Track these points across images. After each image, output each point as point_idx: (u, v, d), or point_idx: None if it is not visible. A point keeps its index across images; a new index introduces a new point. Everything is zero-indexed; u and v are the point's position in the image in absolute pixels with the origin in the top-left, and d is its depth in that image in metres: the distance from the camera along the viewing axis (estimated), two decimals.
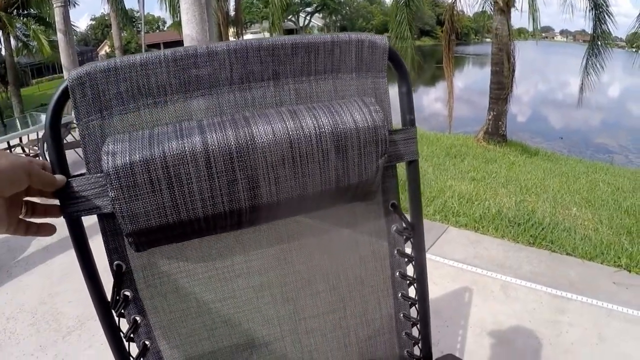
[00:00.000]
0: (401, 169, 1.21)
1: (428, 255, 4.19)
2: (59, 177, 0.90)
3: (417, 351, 1.40)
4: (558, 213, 5.29)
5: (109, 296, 1.04)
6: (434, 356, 1.40)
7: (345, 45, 1.06)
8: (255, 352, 1.21)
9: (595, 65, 10.99)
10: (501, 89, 10.22)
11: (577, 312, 3.45)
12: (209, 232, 0.99)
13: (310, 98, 1.08)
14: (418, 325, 1.35)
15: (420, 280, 1.30)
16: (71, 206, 0.93)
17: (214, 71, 0.98)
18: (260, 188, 0.91)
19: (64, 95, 0.91)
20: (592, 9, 10.60)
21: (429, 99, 27.03)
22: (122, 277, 1.03)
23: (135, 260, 1.04)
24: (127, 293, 1.04)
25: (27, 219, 0.91)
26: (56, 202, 0.93)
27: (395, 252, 1.25)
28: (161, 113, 0.97)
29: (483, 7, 11.33)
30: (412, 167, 1.19)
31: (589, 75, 11.13)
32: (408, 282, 1.30)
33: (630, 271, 4.07)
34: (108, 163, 0.84)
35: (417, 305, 1.33)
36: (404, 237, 1.25)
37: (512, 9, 10.36)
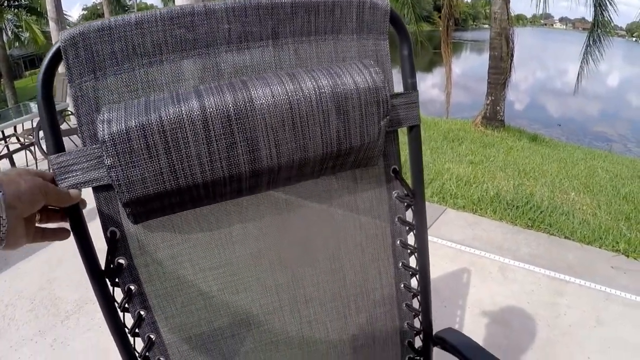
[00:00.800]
0: (402, 135, 1.18)
1: None
2: (73, 192, 0.91)
3: (417, 323, 1.38)
4: (556, 197, 5.26)
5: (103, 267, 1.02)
6: (434, 330, 1.39)
7: (346, 6, 1.04)
8: (253, 322, 1.19)
9: (594, 53, 10.91)
10: (499, 73, 10.14)
11: (575, 294, 3.43)
12: (209, 200, 0.97)
13: (310, 59, 1.07)
14: (419, 297, 1.34)
15: (421, 249, 1.29)
16: (66, 180, 0.92)
17: (211, 30, 0.96)
18: (260, 151, 0.90)
19: (57, 57, 0.90)
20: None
21: (427, 85, 26.93)
22: (116, 244, 1.02)
23: (129, 227, 1.02)
24: (121, 261, 1.03)
25: (43, 225, 0.90)
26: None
27: (396, 219, 1.24)
28: (157, 73, 0.96)
29: None
30: (414, 132, 1.17)
31: (587, 64, 11.04)
32: (409, 251, 1.28)
33: (628, 256, 4.04)
34: (104, 131, 0.83)
35: (417, 276, 1.32)
36: (405, 204, 1.23)
37: None
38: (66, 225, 0.94)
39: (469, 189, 5.33)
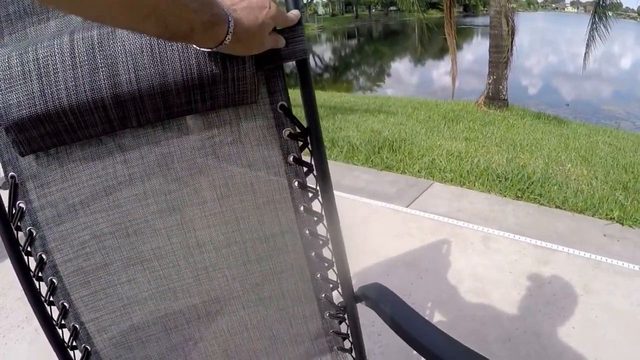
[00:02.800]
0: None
1: (408, 210, 4.08)
2: (293, 13, 1.04)
3: (332, 276, 1.33)
4: (551, 169, 5.07)
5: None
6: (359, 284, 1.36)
7: None
8: (147, 267, 1.19)
9: (597, 33, 10.77)
10: (500, 52, 10.01)
11: (562, 263, 3.27)
12: (82, 131, 1.01)
13: None
14: (329, 245, 1.28)
15: (325, 192, 1.23)
16: None
17: None
18: (119, 76, 0.94)
19: None
20: None
21: (439, 73, 26.82)
22: (16, 188, 1.08)
23: (26, 170, 1.07)
24: (22, 205, 1.09)
25: None
26: None
27: (291, 159, 1.19)
28: (44, 30, 1.03)
29: None
30: (302, 66, 1.11)
31: (594, 41, 10.91)
32: (310, 194, 1.23)
33: (623, 224, 3.87)
34: None
35: (325, 222, 1.25)
36: (300, 143, 1.19)
37: None
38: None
39: (459, 163, 5.17)
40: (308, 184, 1.21)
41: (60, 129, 0.98)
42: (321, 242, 1.27)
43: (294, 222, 1.24)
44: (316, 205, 1.23)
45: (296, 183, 1.20)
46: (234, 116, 1.12)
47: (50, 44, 0.93)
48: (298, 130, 1.17)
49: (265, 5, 0.90)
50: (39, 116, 0.94)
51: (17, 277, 1.13)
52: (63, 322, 1.20)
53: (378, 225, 3.89)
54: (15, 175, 1.07)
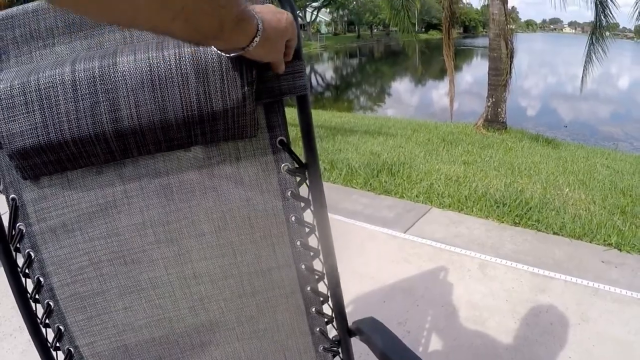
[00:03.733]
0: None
1: (405, 236, 4.08)
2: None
3: (327, 310, 1.34)
4: (549, 194, 5.06)
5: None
6: (354, 318, 1.38)
7: None
8: (144, 296, 1.20)
9: (598, 51, 10.81)
10: (499, 75, 10.06)
11: (559, 291, 3.25)
12: (84, 160, 1.03)
13: None
14: (325, 280, 1.30)
15: (322, 228, 1.25)
16: None
17: None
18: (121, 111, 0.96)
19: None
20: None
21: (439, 93, 26.89)
22: (16, 211, 1.10)
23: (27, 194, 1.09)
24: (22, 227, 1.11)
25: None
26: None
27: (288, 194, 1.20)
28: (50, 55, 1.06)
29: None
30: (302, 101, 1.16)
31: (592, 63, 10.96)
32: (307, 229, 1.24)
33: (621, 250, 3.86)
34: None
35: (321, 258, 1.27)
36: (298, 178, 1.20)
37: None
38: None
39: (457, 188, 5.16)
40: (305, 220, 1.22)
41: (63, 158, 1.01)
42: (317, 276, 1.28)
43: (290, 256, 1.24)
44: (313, 240, 1.24)
45: (293, 218, 1.21)
46: (234, 150, 1.14)
47: (52, 74, 0.94)
48: (296, 166, 1.18)
49: (284, 12, 0.94)
50: (42, 146, 0.97)
51: (14, 297, 1.16)
52: (58, 344, 1.21)
53: (375, 250, 3.88)
54: (16, 197, 1.09)
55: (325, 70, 45.54)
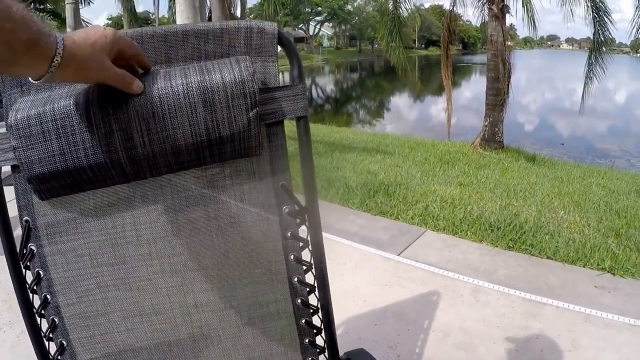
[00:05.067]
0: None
1: (399, 258, 4.10)
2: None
3: (320, 341, 1.41)
4: (543, 216, 5.08)
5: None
6: (346, 348, 1.46)
7: (234, 32, 1.17)
8: (146, 320, 1.25)
9: (597, 71, 10.83)
10: (497, 95, 10.12)
11: (551, 317, 3.27)
12: (99, 183, 1.07)
13: None
14: (319, 314, 1.37)
15: (319, 266, 1.33)
16: None
17: None
18: (133, 139, 1.00)
19: None
20: (593, 11, 10.45)
21: (437, 109, 26.94)
22: (29, 232, 1.16)
23: (41, 217, 1.16)
24: (33, 247, 1.17)
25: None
26: None
27: (289, 234, 1.27)
28: (65, 88, 1.06)
29: (484, 18, 11.19)
30: (302, 123, 1.23)
31: (591, 82, 10.98)
32: (305, 267, 1.31)
33: (614, 274, 3.87)
34: (11, 117, 0.99)
35: (316, 293, 1.35)
36: (297, 220, 1.27)
37: (507, 15, 10.30)
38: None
39: (452, 210, 5.18)
40: (303, 258, 1.29)
41: (79, 181, 1.04)
42: (311, 310, 1.34)
43: (287, 291, 1.31)
44: (309, 276, 1.32)
45: (292, 256, 1.28)
46: (239, 192, 1.21)
47: (67, 105, 0.98)
48: (297, 208, 1.25)
49: (100, 30, 0.90)
50: (59, 171, 1.01)
51: (20, 311, 1.21)
52: (59, 357, 1.26)
53: (368, 272, 3.90)
54: (30, 220, 1.15)
55: (326, 84, 45.72)
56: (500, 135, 10.37)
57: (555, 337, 3.05)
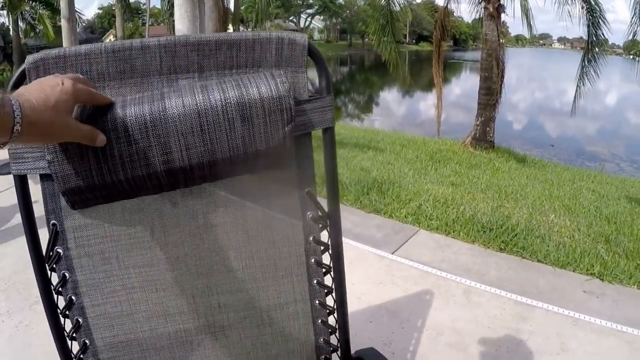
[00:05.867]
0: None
1: (393, 257, 4.14)
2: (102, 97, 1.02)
3: (334, 340, 1.46)
4: (534, 219, 5.15)
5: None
6: (356, 347, 1.49)
7: (266, 42, 1.18)
8: (170, 320, 1.30)
9: (590, 72, 10.87)
10: (490, 94, 10.16)
11: (541, 320, 3.33)
12: (134, 193, 1.09)
13: None
14: (335, 314, 1.42)
15: (337, 269, 1.38)
16: (19, 164, 1.11)
17: (145, 63, 1.13)
18: (172, 153, 1.02)
19: (22, 77, 1.08)
20: (587, 12, 10.49)
21: (427, 105, 26.99)
22: (56, 235, 1.18)
23: (68, 221, 1.18)
24: (60, 250, 1.19)
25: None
26: None
27: (311, 239, 1.32)
28: None
29: (478, 14, 11.19)
30: (328, 134, 1.27)
31: (584, 84, 11.01)
32: (324, 270, 1.37)
33: (603, 280, 3.94)
34: None
35: (333, 294, 1.40)
36: (320, 225, 1.32)
37: (503, 15, 10.33)
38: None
39: (445, 210, 5.24)
40: (323, 261, 1.35)
41: (114, 193, 1.06)
42: (328, 310, 1.41)
43: (307, 293, 1.37)
44: (328, 278, 1.38)
45: (313, 260, 1.34)
46: (265, 198, 1.26)
47: (104, 120, 0.98)
48: (320, 214, 1.30)
49: (58, 83, 0.87)
50: (96, 185, 1.01)
51: (44, 312, 1.24)
52: (82, 356, 1.29)
53: (363, 270, 3.94)
54: (57, 223, 1.17)
55: (315, 77, 45.50)
56: (491, 135, 10.44)
57: (545, 340, 3.11)
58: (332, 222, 1.33)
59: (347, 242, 4.42)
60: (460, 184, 6.59)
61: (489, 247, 4.49)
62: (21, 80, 1.07)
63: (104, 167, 0.99)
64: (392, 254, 4.26)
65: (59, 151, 0.97)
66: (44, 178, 1.14)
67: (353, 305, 3.29)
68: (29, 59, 1.07)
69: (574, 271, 4.10)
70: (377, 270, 3.96)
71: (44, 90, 0.85)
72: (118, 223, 1.20)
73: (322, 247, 1.34)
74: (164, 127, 1.00)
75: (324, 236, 1.34)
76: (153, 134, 0.99)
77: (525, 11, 11.15)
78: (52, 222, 1.17)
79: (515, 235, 4.65)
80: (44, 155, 1.04)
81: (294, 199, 1.28)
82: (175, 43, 1.13)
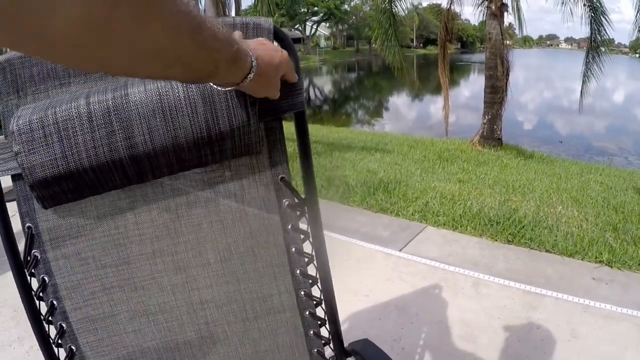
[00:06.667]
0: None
1: (401, 254, 4.14)
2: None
3: (325, 332, 1.42)
4: (542, 211, 5.13)
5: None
6: (350, 340, 1.47)
7: (230, 27, 1.11)
8: (152, 319, 1.27)
9: (594, 69, 10.84)
10: (495, 92, 10.15)
11: (550, 308, 3.32)
12: (102, 187, 1.10)
13: None
14: (323, 305, 1.38)
15: (320, 257, 1.34)
16: None
17: None
18: (135, 138, 1.02)
19: None
20: (590, 11, 10.48)
21: (436, 107, 26.94)
22: (32, 238, 1.17)
23: (43, 223, 1.17)
24: (37, 254, 1.18)
25: None
26: None
27: (289, 227, 1.29)
28: (66, 93, 1.12)
29: (483, 15, 11.18)
30: (299, 118, 1.25)
31: (589, 81, 10.99)
32: (306, 259, 1.33)
33: (612, 267, 3.93)
34: (13, 123, 1.01)
35: (319, 284, 1.36)
36: (298, 212, 1.30)
37: (506, 14, 10.34)
38: None
39: (452, 206, 5.24)
40: (305, 250, 1.32)
41: (82, 185, 1.06)
42: (315, 302, 1.37)
43: (290, 284, 1.33)
44: (311, 268, 1.34)
45: (293, 249, 1.30)
46: (239, 187, 1.23)
47: (68, 108, 1.00)
48: (296, 201, 1.28)
49: (278, 50, 1.02)
50: (62, 175, 1.02)
51: (27, 319, 1.23)
52: None
53: (370, 268, 3.95)
54: (32, 226, 1.16)
55: (323, 84, 45.48)
56: (498, 132, 10.41)
57: (555, 327, 3.10)
58: (310, 209, 1.31)
59: (354, 242, 4.44)
60: (468, 181, 6.58)
61: (496, 240, 4.49)
62: None
63: (68, 155, 1.00)
64: (400, 251, 4.26)
65: (26, 141, 0.99)
66: (16, 179, 1.14)
67: (362, 302, 3.34)
68: None
69: (582, 260, 4.09)
70: (384, 267, 3.97)
71: (271, 52, 0.98)
72: (92, 220, 1.19)
73: (302, 236, 1.32)
74: (126, 112, 1.01)
75: (303, 225, 1.32)
76: (116, 119, 1.01)
77: (518, 11, 11.15)
78: (27, 225, 1.17)
79: (523, 227, 4.64)
80: (15, 156, 1.04)
81: (269, 187, 1.26)
82: None
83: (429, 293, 3.54)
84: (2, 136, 1.11)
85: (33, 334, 2.77)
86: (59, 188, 1.05)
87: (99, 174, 1.04)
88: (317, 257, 1.33)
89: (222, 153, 1.14)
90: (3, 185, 1.16)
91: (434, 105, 28.61)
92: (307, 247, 1.32)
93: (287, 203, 1.27)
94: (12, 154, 1.05)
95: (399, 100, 34.81)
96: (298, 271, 1.33)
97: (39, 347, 2.88)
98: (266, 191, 1.25)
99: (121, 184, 1.10)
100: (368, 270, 3.92)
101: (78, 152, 1.00)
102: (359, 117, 27.32)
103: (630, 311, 3.25)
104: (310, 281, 1.35)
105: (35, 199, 1.10)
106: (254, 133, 1.12)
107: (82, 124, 0.99)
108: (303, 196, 1.30)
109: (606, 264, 3.97)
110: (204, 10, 10.07)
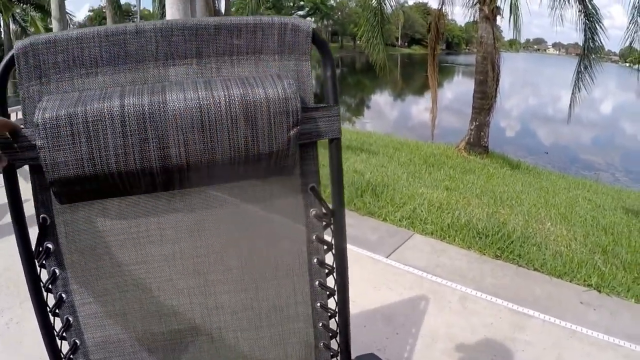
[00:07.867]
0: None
1: (388, 261, 4.08)
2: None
3: (334, 345, 1.41)
4: (530, 227, 5.09)
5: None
6: (356, 353, 1.43)
7: (267, 28, 1.13)
8: (164, 320, 1.25)
9: (585, 79, 10.80)
10: (485, 98, 10.11)
11: (537, 330, 3.26)
12: (126, 191, 1.06)
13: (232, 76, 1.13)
14: (336, 318, 1.37)
15: (340, 270, 1.33)
16: (8, 155, 1.03)
17: (140, 47, 1.08)
18: (169, 149, 0.98)
19: (10, 62, 1.03)
20: (584, 17, 10.42)
21: (419, 109, 27.04)
22: (46, 229, 1.13)
23: (59, 215, 1.13)
24: (49, 245, 1.14)
25: None
26: None
27: (314, 237, 1.27)
28: (92, 83, 1.08)
29: (474, 17, 11.11)
30: (334, 145, 1.22)
31: (579, 91, 10.95)
32: (327, 271, 1.32)
33: (600, 291, 3.88)
34: (38, 115, 0.95)
35: (335, 297, 1.35)
36: (324, 223, 1.27)
37: (498, 17, 10.28)
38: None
39: (440, 214, 5.17)
40: (326, 262, 1.31)
41: (104, 188, 1.03)
42: (329, 314, 1.36)
43: (308, 294, 1.32)
44: (330, 280, 1.33)
45: (315, 260, 1.29)
46: (267, 192, 1.20)
47: (100, 108, 0.96)
48: (324, 211, 1.25)
49: None
50: (86, 177, 0.98)
51: (33, 310, 1.18)
52: (72, 356, 1.25)
53: (357, 273, 3.84)
54: (47, 217, 1.12)
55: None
56: (485, 140, 10.41)
57: (541, 350, 3.05)
58: (337, 220, 1.27)
59: None
60: (455, 189, 6.54)
61: (484, 254, 4.43)
62: (10, 66, 1.04)
63: (96, 157, 0.96)
64: (387, 257, 4.19)
65: (51, 137, 0.94)
66: (34, 169, 1.08)
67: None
68: (18, 44, 1.03)
69: (570, 281, 4.04)
70: (371, 273, 3.89)
71: None
72: (111, 217, 1.15)
73: (325, 247, 1.29)
74: (162, 120, 0.97)
75: (328, 236, 1.29)
76: (151, 127, 0.97)
77: (515, 15, 11.01)
78: (42, 215, 1.12)
79: (512, 242, 4.59)
80: (34, 144, 0.99)
81: (297, 195, 1.23)
82: (172, 27, 1.08)
83: (416, 304, 3.46)
84: (21, 119, 1.07)
85: (13, 307, 2.77)
86: (81, 188, 1.02)
87: (125, 179, 1.02)
88: (337, 270, 1.32)
89: (255, 172, 1.12)
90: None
91: (416, 106, 28.80)
92: (329, 258, 1.31)
93: (314, 213, 1.25)
94: (30, 144, 1.02)
95: (382, 100, 34.99)
96: (317, 282, 1.32)
97: (18, 321, 2.79)
98: (294, 200, 1.24)
99: (146, 190, 1.09)
100: (355, 274, 3.78)
101: (107, 156, 0.97)
102: (341, 115, 27.39)
103: (618, 340, 3.19)
104: (328, 293, 1.34)
105: (52, 194, 1.07)
106: (291, 157, 1.10)
107: (114, 127, 0.96)
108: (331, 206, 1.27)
109: (595, 288, 3.92)
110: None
